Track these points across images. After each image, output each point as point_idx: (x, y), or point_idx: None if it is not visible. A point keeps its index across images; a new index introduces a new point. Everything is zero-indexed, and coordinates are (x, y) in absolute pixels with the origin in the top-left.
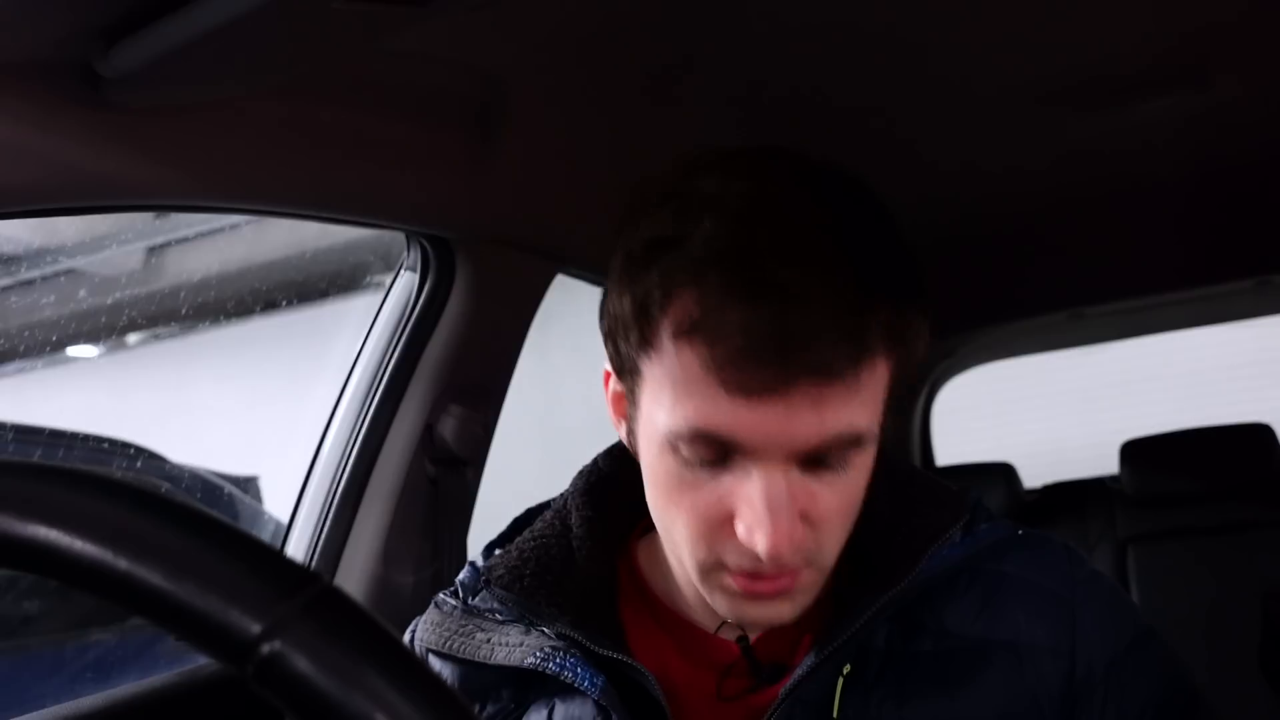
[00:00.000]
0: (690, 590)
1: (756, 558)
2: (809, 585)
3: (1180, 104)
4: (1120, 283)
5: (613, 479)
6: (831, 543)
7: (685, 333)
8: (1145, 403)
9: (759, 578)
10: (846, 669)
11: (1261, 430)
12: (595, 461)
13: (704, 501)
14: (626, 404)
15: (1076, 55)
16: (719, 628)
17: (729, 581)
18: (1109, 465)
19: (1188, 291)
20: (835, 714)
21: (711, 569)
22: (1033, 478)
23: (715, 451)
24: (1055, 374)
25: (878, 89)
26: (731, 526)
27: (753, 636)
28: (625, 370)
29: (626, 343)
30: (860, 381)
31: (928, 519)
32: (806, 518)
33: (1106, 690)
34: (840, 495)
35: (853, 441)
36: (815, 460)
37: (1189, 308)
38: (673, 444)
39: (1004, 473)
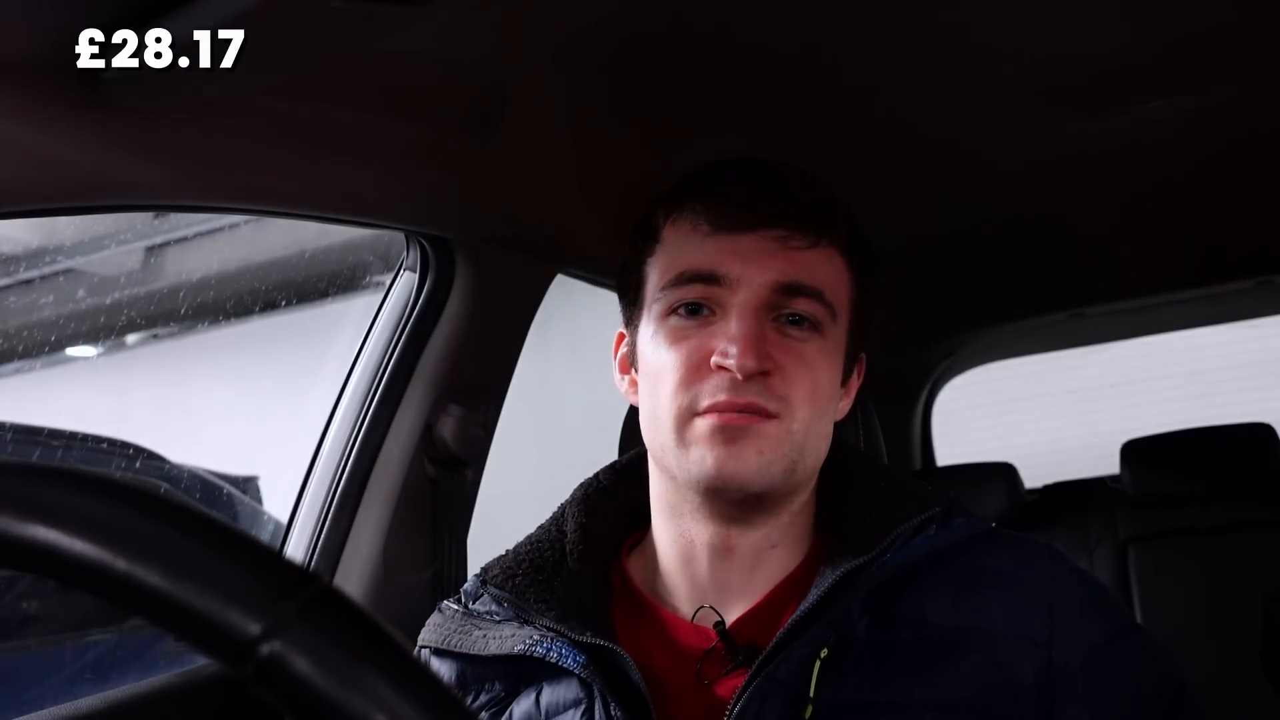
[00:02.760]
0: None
1: (729, 385)
2: (775, 439)
3: (1180, 104)
4: (1120, 283)
5: (610, 492)
6: (801, 408)
7: (680, 209)
8: (1145, 403)
9: (730, 408)
10: (824, 653)
11: (1262, 430)
12: (597, 475)
13: (691, 348)
14: (628, 339)
15: (1077, 56)
16: (696, 613)
17: (702, 425)
18: (1109, 465)
19: (1188, 291)
20: (812, 694)
21: (689, 418)
22: (1033, 478)
23: (697, 293)
24: (1055, 374)
25: (878, 91)
26: (710, 366)
27: (729, 620)
28: (633, 289)
29: (633, 264)
30: (824, 251)
31: (897, 507)
32: (775, 362)
33: (1086, 681)
34: (808, 366)
35: (818, 297)
36: (783, 315)
37: (1189, 308)
38: (668, 306)
39: (1004, 473)
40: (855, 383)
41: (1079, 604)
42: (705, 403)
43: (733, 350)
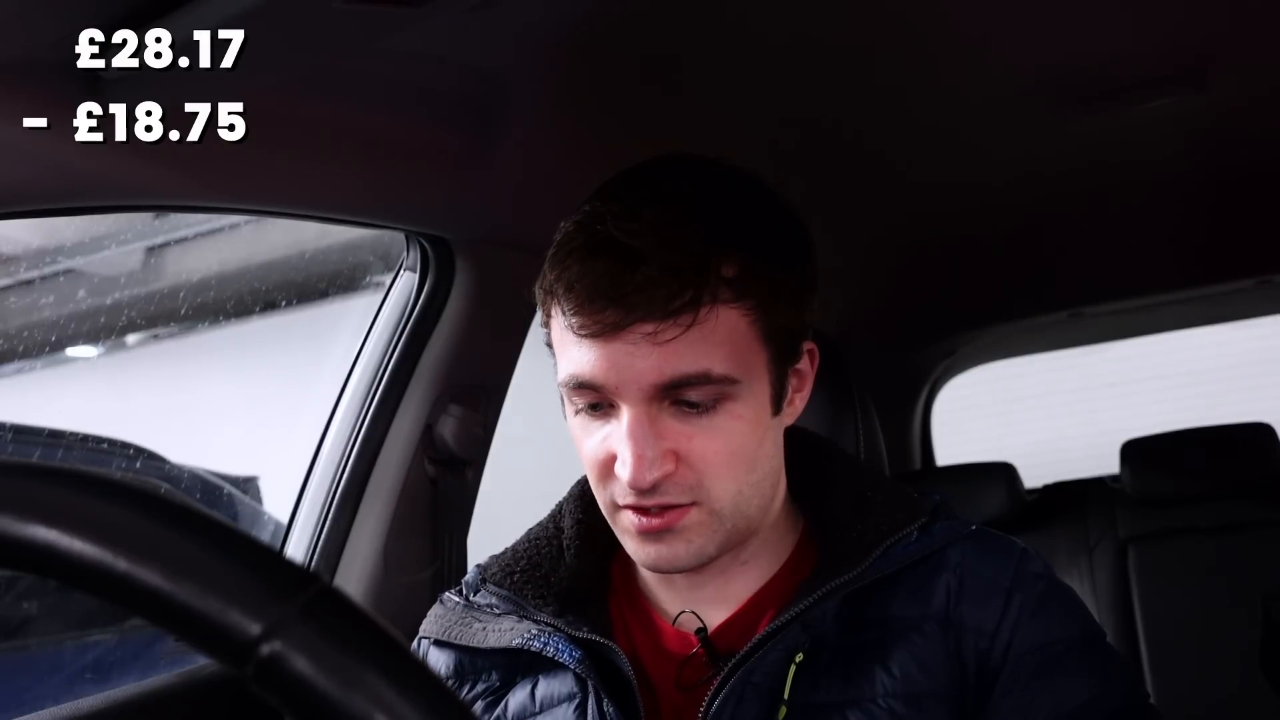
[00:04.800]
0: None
1: (635, 492)
2: (700, 526)
3: (1180, 104)
4: (1120, 283)
5: None
6: (718, 487)
7: (553, 297)
8: (1145, 403)
9: (646, 514)
10: (799, 658)
11: (1261, 430)
12: None
13: (594, 447)
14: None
15: (1077, 56)
16: (676, 618)
17: (628, 522)
18: (1109, 465)
19: (1188, 291)
20: (786, 696)
21: (614, 512)
22: (1033, 478)
23: (589, 397)
24: (1055, 374)
25: (877, 90)
26: (613, 467)
27: (711, 627)
28: (551, 354)
29: (546, 329)
30: (703, 325)
31: (884, 519)
32: (680, 457)
33: (1024, 676)
34: (718, 440)
35: (706, 380)
36: (680, 401)
37: (1189, 308)
38: (568, 400)
39: (1004, 473)
40: (809, 374)
41: (1036, 602)
42: (621, 501)
43: (625, 471)
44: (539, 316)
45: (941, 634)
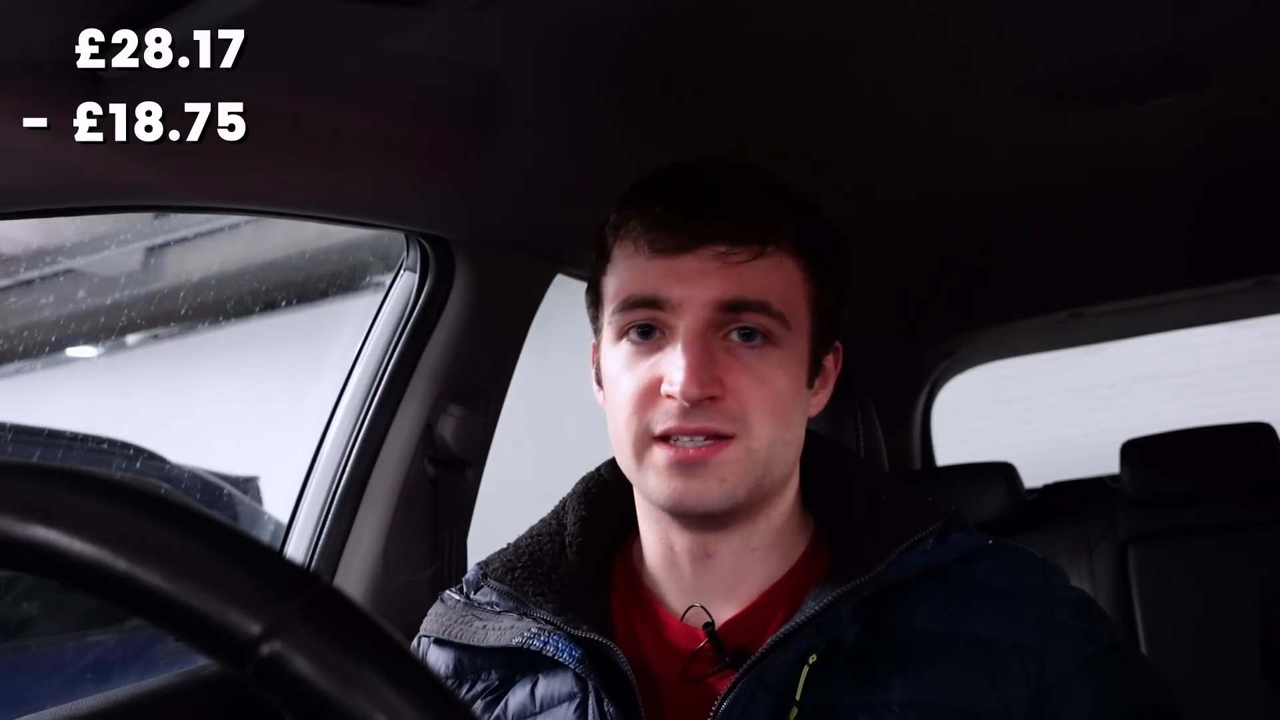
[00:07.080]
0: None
1: (679, 412)
2: (735, 463)
3: (1180, 105)
4: (1120, 283)
5: (611, 485)
6: (760, 426)
7: (621, 229)
8: (1145, 403)
9: (682, 433)
10: (813, 659)
11: (1261, 430)
12: (598, 469)
13: (641, 374)
14: (597, 353)
15: (1078, 56)
16: (685, 613)
17: (659, 456)
18: (1109, 465)
19: (1188, 291)
20: (798, 698)
21: (645, 446)
22: (1033, 478)
23: (644, 315)
24: (1055, 374)
25: (879, 91)
26: (660, 392)
27: (719, 623)
28: (594, 305)
29: (594, 281)
30: (768, 259)
31: (898, 523)
32: (728, 388)
33: (1081, 687)
34: (764, 382)
35: (764, 310)
36: (732, 331)
37: (1189, 308)
38: (619, 329)
39: (1004, 473)
40: (832, 373)
41: (1072, 616)
42: (659, 429)
43: (678, 378)
44: (593, 261)
45: (975, 653)
